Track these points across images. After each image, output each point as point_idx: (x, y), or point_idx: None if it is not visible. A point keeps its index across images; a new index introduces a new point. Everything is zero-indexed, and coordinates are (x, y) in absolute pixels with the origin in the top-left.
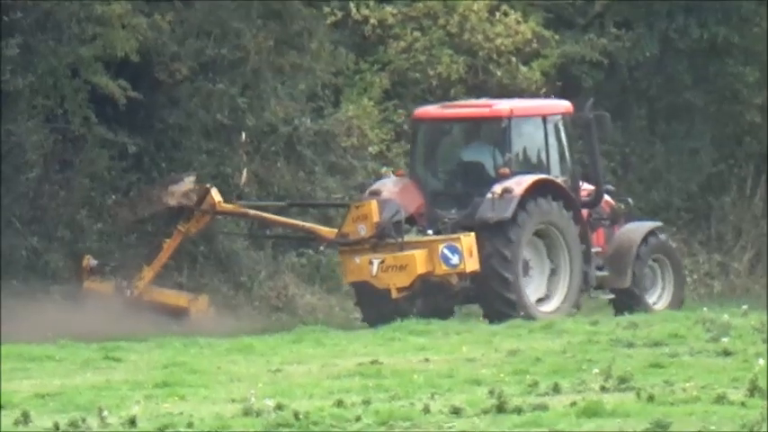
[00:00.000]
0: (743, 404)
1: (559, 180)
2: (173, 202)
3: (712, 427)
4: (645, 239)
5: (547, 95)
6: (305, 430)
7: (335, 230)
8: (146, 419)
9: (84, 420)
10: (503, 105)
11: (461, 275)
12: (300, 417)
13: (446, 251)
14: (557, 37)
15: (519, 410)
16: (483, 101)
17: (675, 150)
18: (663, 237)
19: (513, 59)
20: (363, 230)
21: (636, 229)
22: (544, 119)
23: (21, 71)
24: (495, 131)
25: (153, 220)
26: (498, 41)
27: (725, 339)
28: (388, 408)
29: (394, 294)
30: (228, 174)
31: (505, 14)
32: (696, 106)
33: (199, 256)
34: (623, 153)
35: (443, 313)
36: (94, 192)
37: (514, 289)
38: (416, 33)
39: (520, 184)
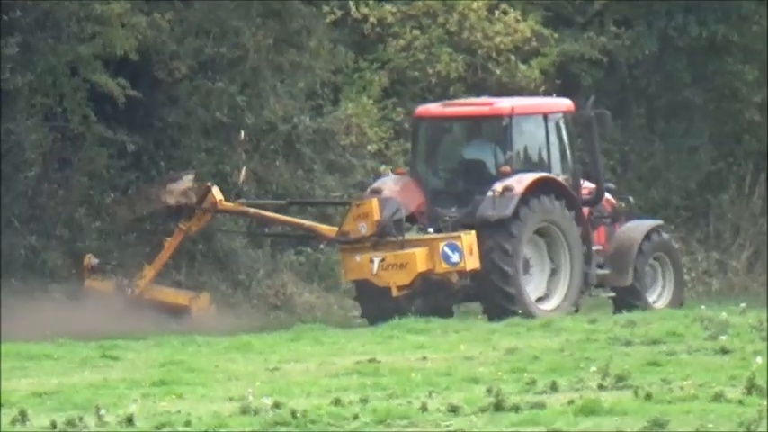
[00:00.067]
0: (740, 402)
1: (560, 178)
2: (171, 200)
3: (710, 425)
4: (647, 237)
5: (546, 94)
6: (302, 429)
7: (336, 229)
8: (143, 418)
9: (81, 419)
10: (504, 104)
11: (462, 274)
12: (298, 415)
13: (447, 249)
14: (556, 35)
15: (517, 408)
16: (484, 99)
17: (674, 148)
18: (665, 235)
19: (513, 58)
20: (364, 229)
21: (637, 228)
22: (545, 117)
23: (20, 70)
24: (497, 130)
25: (151, 218)
26: (497, 40)
27: (723, 337)
28: (385, 406)
29: (394, 292)
30: (227, 172)
31: (505, 13)
32: (695, 104)
33: (197, 255)
34: (622, 151)
35: (443, 312)
36: (93, 190)
37: (514, 283)
38: (416, 32)
39: (521, 182)
